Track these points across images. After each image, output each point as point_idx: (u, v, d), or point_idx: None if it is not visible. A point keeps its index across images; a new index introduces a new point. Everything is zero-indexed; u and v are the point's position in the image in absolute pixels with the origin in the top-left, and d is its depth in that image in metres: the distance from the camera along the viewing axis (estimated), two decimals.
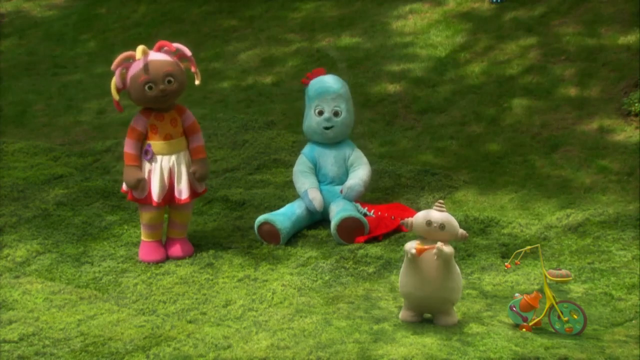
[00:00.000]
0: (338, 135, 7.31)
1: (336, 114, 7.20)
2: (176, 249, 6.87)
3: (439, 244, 5.31)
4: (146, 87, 6.51)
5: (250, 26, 12.09)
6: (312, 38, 11.33)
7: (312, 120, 7.25)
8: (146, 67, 6.49)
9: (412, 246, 5.40)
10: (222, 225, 7.36)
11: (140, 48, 6.58)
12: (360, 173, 7.28)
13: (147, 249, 6.85)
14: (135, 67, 6.55)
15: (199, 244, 7.03)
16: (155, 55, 6.59)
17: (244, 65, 11.06)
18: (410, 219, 5.50)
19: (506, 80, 9.67)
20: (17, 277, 6.56)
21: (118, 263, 6.76)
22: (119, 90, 6.62)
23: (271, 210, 7.50)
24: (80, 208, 7.67)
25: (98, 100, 10.46)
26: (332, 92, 7.19)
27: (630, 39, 9.82)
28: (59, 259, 6.83)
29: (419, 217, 5.48)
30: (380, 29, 11.20)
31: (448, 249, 5.36)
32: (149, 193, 6.70)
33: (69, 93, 10.80)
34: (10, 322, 5.81)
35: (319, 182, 7.34)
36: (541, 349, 5.18)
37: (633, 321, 5.68)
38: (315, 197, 7.16)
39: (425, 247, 5.37)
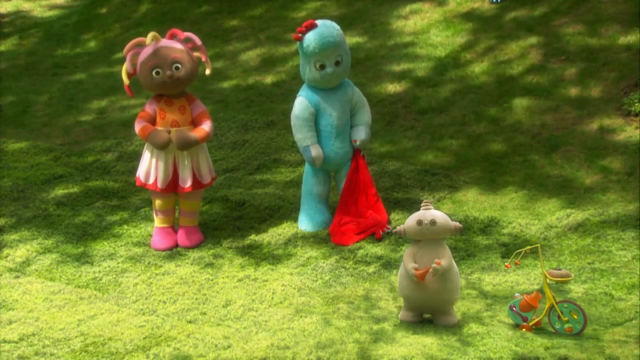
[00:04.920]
0: (341, 80, 7.13)
1: (337, 63, 6.97)
2: (183, 239, 7.01)
3: (434, 265, 5.36)
4: (153, 73, 6.72)
5: (250, 26, 12.08)
6: None
7: (312, 73, 6.99)
8: (154, 53, 6.72)
9: (412, 267, 5.44)
10: (222, 225, 7.36)
11: (151, 34, 6.84)
12: (365, 118, 7.24)
13: (158, 236, 6.99)
14: (145, 53, 6.78)
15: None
16: (165, 42, 6.83)
17: (244, 65, 11.06)
18: (402, 226, 5.53)
19: (506, 80, 9.66)
20: (17, 277, 6.57)
21: (118, 263, 6.76)
22: (129, 75, 6.86)
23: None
24: (80, 208, 7.67)
25: (98, 100, 10.47)
26: (331, 46, 6.90)
27: (630, 39, 9.82)
28: (59, 259, 6.83)
29: (410, 221, 5.51)
30: (381, 29, 11.20)
31: (444, 262, 5.39)
32: (155, 179, 6.86)
33: (69, 93, 10.81)
34: (10, 322, 5.81)
35: (323, 133, 7.13)
36: (541, 349, 5.18)
37: (633, 321, 5.68)
38: (318, 155, 7.06)
39: (423, 270, 5.43)
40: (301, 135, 7.09)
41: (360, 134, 7.19)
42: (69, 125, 9.86)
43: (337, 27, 7.02)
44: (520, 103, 9.23)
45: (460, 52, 10.31)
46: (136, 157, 8.65)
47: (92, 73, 11.49)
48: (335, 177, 7.34)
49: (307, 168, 7.30)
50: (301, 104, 7.11)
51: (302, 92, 7.17)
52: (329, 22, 7.02)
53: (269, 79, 10.58)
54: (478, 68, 9.97)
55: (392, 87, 9.88)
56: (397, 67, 10.22)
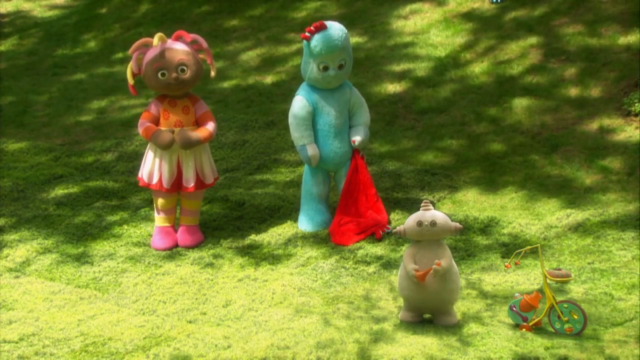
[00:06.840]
0: (341, 82, 7.15)
1: (341, 66, 7.00)
2: (183, 238, 7.01)
3: (434, 266, 5.35)
4: (159, 74, 6.75)
5: (250, 26, 12.09)
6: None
7: (314, 73, 7.01)
8: (161, 54, 6.74)
9: (412, 269, 5.44)
10: (222, 225, 7.36)
11: (157, 35, 6.84)
12: (363, 118, 7.24)
13: (158, 235, 7.00)
14: (151, 53, 6.79)
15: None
16: (171, 44, 6.84)
17: (244, 65, 11.06)
18: (402, 227, 5.53)
19: (507, 80, 9.67)
20: (17, 277, 6.56)
21: (118, 263, 6.76)
22: (134, 75, 6.89)
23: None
24: (80, 208, 7.67)
25: (98, 100, 10.47)
26: (337, 50, 6.92)
27: (630, 39, 9.82)
28: (59, 259, 6.83)
29: (409, 221, 5.50)
30: (381, 29, 11.20)
31: (444, 263, 5.38)
32: (159, 179, 6.86)
33: (69, 93, 10.80)
34: (10, 322, 5.81)
35: (321, 132, 7.15)
36: (541, 349, 5.18)
37: (633, 321, 5.68)
38: (314, 155, 7.08)
39: (423, 271, 5.42)
40: (298, 134, 7.11)
41: (359, 135, 7.19)
42: (69, 125, 9.86)
43: (345, 30, 7.02)
44: (520, 103, 9.23)
45: (460, 52, 10.31)
46: (136, 157, 8.65)
47: (92, 73, 11.49)
48: (335, 177, 7.35)
49: (306, 168, 7.30)
50: (299, 102, 7.12)
51: (300, 91, 7.18)
52: (337, 25, 7.02)
53: (269, 79, 10.58)
54: (478, 68, 9.97)
55: (392, 87, 9.88)
56: (397, 67, 10.22)
